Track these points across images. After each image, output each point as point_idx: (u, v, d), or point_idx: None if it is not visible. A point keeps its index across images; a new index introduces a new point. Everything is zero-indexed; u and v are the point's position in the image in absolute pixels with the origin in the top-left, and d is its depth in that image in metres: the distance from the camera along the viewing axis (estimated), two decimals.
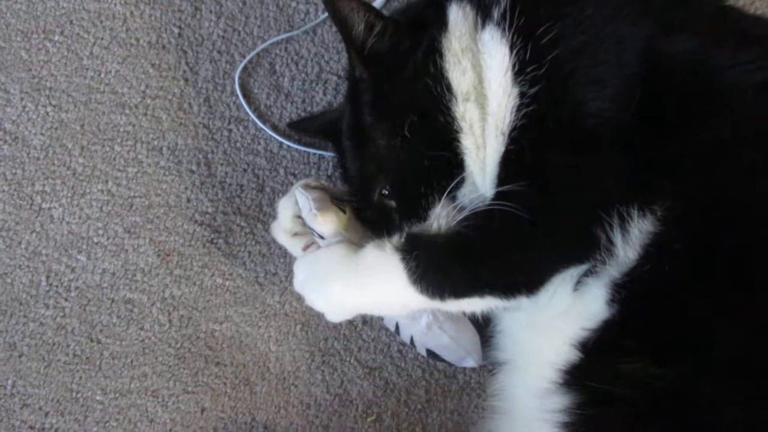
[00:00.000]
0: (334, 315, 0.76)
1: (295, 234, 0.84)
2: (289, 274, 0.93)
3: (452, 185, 0.72)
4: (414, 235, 0.70)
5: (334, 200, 0.80)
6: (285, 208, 0.83)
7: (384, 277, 0.69)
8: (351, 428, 0.96)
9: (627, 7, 0.70)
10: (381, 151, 0.77)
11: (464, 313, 0.83)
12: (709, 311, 0.64)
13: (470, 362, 0.89)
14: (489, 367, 0.91)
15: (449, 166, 0.73)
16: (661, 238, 0.64)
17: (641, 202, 0.65)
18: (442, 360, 0.90)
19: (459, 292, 0.69)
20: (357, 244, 0.74)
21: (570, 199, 0.67)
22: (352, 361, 0.97)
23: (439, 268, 0.69)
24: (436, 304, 0.70)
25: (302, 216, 0.80)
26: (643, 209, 0.65)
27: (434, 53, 0.74)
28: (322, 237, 0.78)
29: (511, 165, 0.69)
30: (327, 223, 0.76)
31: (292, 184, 0.94)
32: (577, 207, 0.67)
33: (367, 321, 0.97)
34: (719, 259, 0.64)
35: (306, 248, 0.83)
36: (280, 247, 0.95)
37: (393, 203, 0.77)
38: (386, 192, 0.77)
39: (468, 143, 0.72)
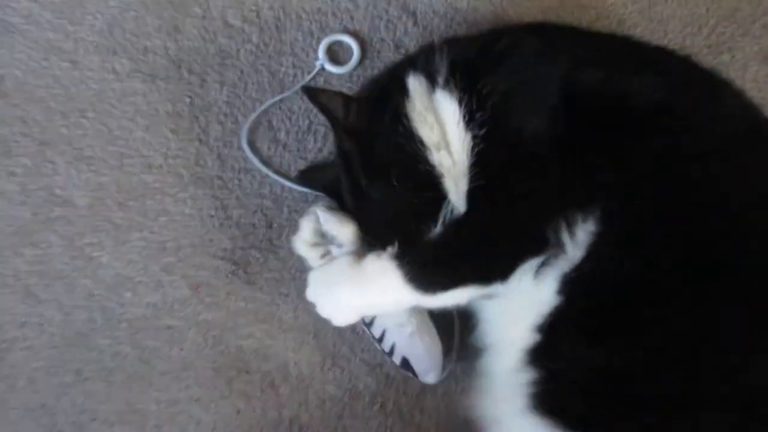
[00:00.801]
0: (340, 319, 0.84)
1: (314, 244, 0.91)
2: (299, 294, 1.01)
3: (442, 215, 0.78)
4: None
5: None
6: (307, 222, 0.91)
7: (383, 281, 0.78)
8: (361, 416, 1.02)
9: (544, 51, 0.78)
10: (380, 204, 0.83)
11: (446, 313, 0.91)
12: (641, 299, 0.70)
13: (431, 377, 0.95)
14: (466, 357, 0.98)
15: (438, 203, 0.79)
16: (599, 237, 0.70)
17: (579, 207, 0.71)
18: (410, 370, 0.95)
19: (445, 286, 0.76)
20: (360, 255, 0.82)
21: (523, 208, 0.74)
22: (357, 361, 1.03)
23: (427, 268, 0.76)
24: (428, 299, 0.76)
25: (324, 228, 0.87)
26: (583, 213, 0.71)
27: (400, 116, 0.80)
28: (339, 246, 0.85)
29: (478, 190, 0.76)
30: (348, 231, 0.85)
31: (295, 219, 1.00)
32: (529, 213, 0.74)
33: (367, 326, 0.99)
34: (648, 255, 0.69)
35: (323, 256, 0.90)
36: (290, 272, 1.03)
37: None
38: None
39: (449, 184, 0.79)
